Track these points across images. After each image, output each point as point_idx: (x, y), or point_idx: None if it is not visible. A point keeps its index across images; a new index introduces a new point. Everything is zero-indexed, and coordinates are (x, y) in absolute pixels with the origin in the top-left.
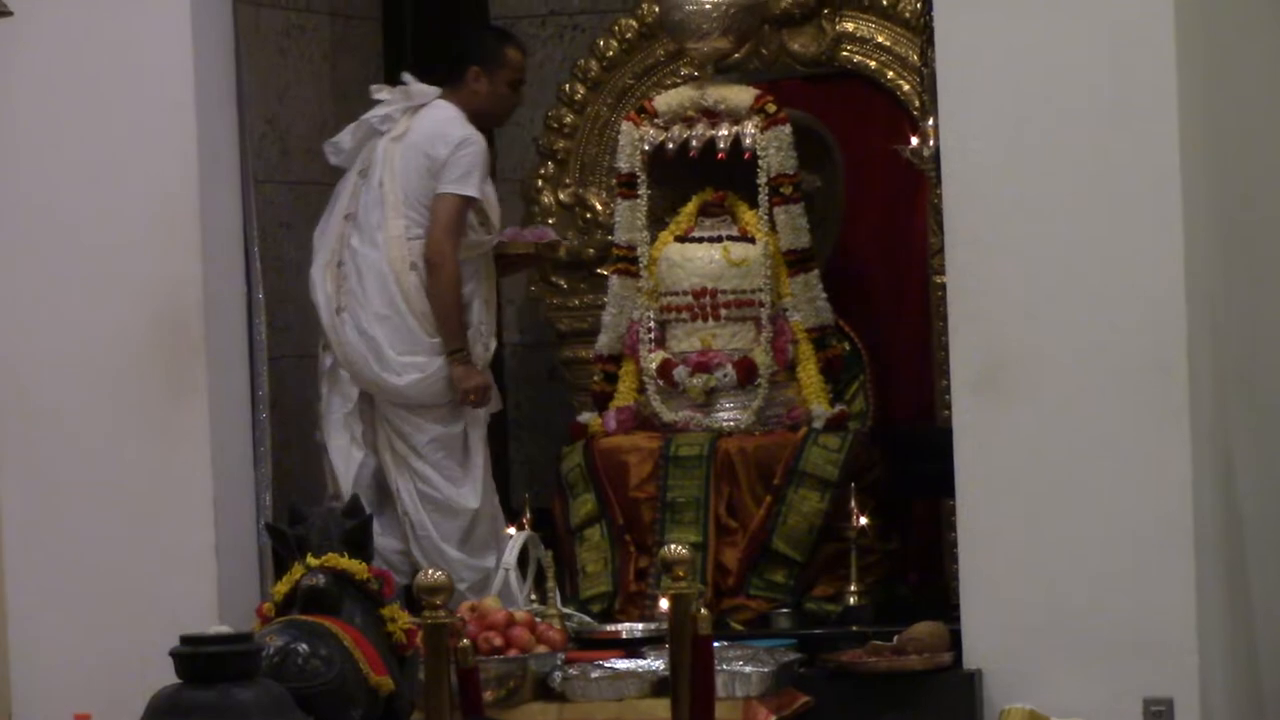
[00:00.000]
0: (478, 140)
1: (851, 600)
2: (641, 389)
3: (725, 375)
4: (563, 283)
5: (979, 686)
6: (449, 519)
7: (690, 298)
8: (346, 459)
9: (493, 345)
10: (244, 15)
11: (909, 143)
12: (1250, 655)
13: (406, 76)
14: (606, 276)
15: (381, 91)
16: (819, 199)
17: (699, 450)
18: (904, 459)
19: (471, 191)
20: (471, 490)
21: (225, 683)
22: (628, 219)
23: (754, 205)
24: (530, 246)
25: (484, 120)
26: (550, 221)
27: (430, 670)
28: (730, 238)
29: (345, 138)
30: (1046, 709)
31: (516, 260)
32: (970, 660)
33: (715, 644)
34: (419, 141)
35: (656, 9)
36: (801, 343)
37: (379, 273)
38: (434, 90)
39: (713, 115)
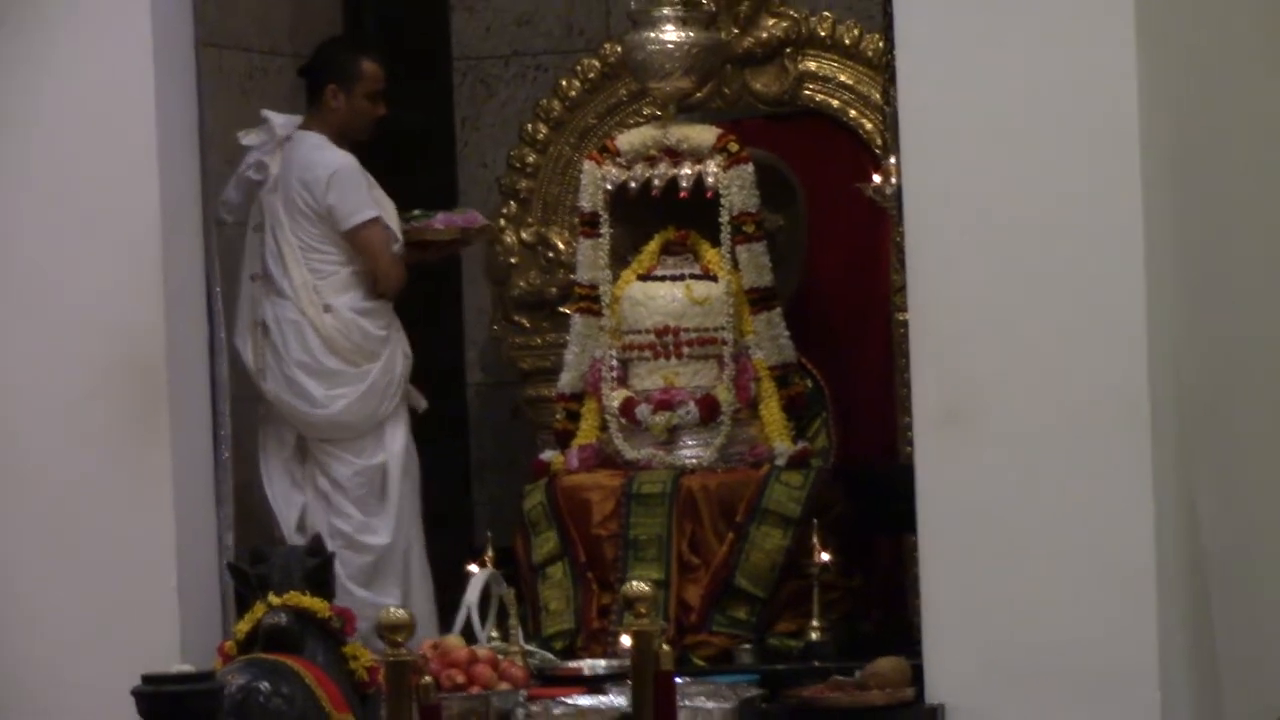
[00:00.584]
0: (344, 162)
1: (814, 636)
2: (604, 427)
3: (688, 413)
4: (525, 322)
5: None
6: (358, 555)
7: (653, 336)
8: (288, 503)
9: (409, 351)
10: (207, 58)
11: (871, 181)
12: (1213, 692)
13: (265, 112)
14: (569, 315)
15: (248, 135)
16: (781, 237)
17: (661, 488)
18: (866, 496)
19: (371, 213)
20: (385, 526)
21: None
22: (590, 258)
23: (716, 244)
24: (458, 231)
25: (350, 136)
26: (513, 261)
27: (393, 708)
28: (693, 276)
29: (232, 194)
30: None
31: (446, 245)
32: (932, 695)
33: (677, 680)
34: (293, 184)
35: (619, 49)
36: (764, 380)
37: (294, 324)
38: (294, 120)
39: (675, 154)
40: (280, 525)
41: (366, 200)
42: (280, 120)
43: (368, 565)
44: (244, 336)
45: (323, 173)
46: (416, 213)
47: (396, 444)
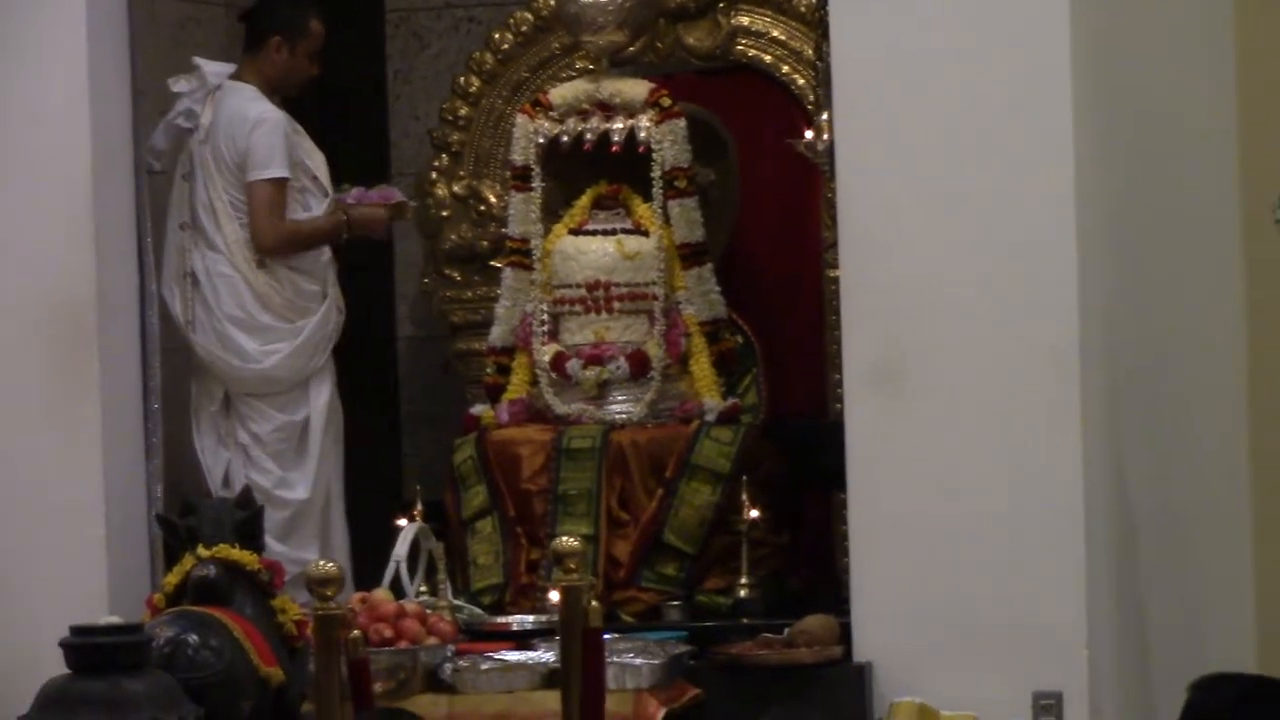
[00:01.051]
0: (271, 116)
1: (742, 593)
2: (534, 381)
3: (618, 368)
4: (456, 275)
5: (869, 679)
6: (274, 511)
7: (583, 290)
8: (215, 457)
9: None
10: (139, 6)
11: (803, 137)
12: (1140, 648)
13: (197, 60)
14: (500, 269)
15: (179, 82)
16: (713, 193)
17: (591, 443)
18: (796, 452)
19: (278, 172)
20: (303, 481)
21: (115, 673)
22: (522, 212)
23: (648, 199)
24: (378, 208)
25: (280, 90)
26: (445, 214)
27: (321, 661)
28: (624, 231)
29: (159, 139)
30: (936, 702)
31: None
32: (860, 653)
33: (606, 636)
34: (221, 137)
35: (552, 2)
36: (694, 336)
37: (226, 277)
38: (227, 68)
39: (607, 109)
40: (207, 479)
41: (280, 159)
42: (212, 68)
43: (285, 520)
44: (171, 287)
45: (251, 118)
46: (343, 186)
47: (321, 399)
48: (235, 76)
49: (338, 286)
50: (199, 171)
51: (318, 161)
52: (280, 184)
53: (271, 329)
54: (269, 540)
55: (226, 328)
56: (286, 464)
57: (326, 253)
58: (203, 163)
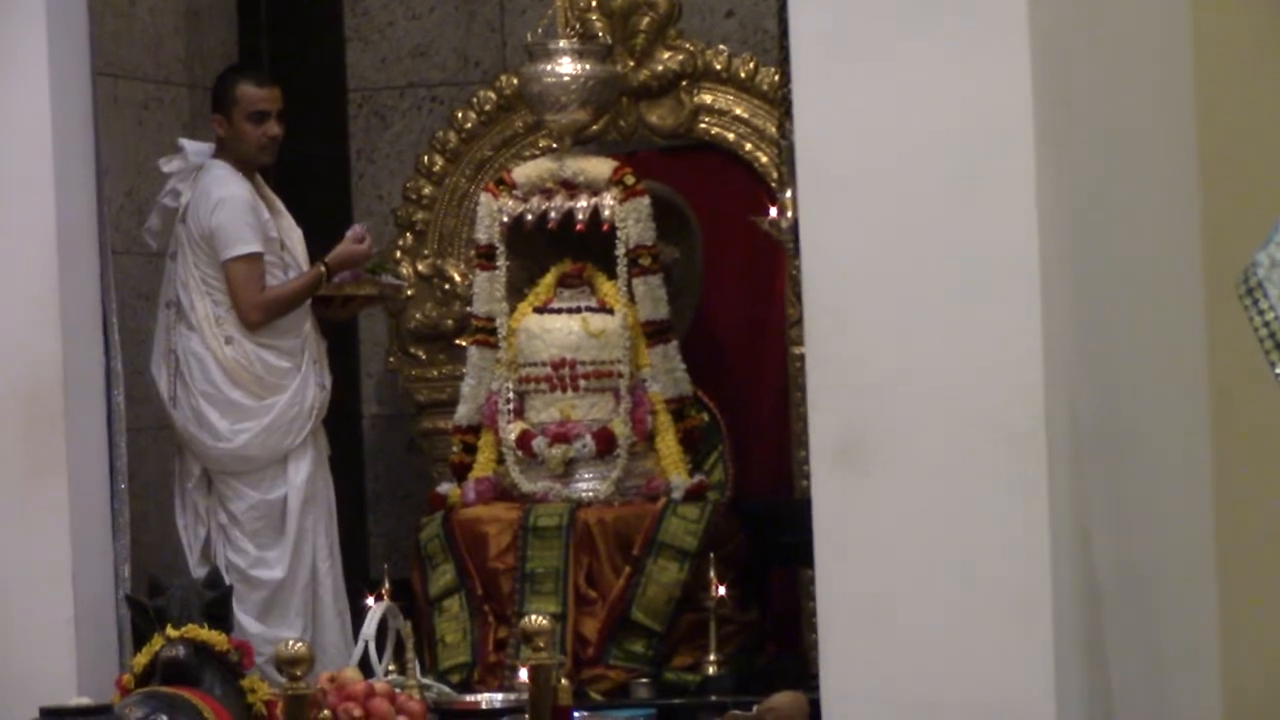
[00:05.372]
0: (231, 195)
1: (710, 670)
2: (500, 460)
3: (584, 446)
4: (421, 354)
5: None
6: (251, 590)
7: (549, 369)
8: (194, 535)
9: (327, 383)
10: (102, 87)
11: (767, 214)
12: (1108, 718)
13: (182, 140)
14: (465, 347)
15: (170, 163)
16: (677, 270)
17: (558, 521)
18: (762, 529)
19: (248, 248)
20: (280, 561)
21: None
22: (486, 290)
23: (613, 276)
24: (375, 287)
25: (249, 161)
26: (409, 294)
27: None
28: (589, 309)
29: (154, 220)
30: None
31: (360, 301)
32: None
33: (575, 714)
34: (191, 215)
35: (515, 81)
36: (660, 413)
37: (198, 355)
38: (207, 148)
39: (571, 187)
40: (188, 556)
41: (245, 236)
42: (193, 148)
43: (262, 600)
44: (159, 365)
45: (213, 200)
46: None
47: (299, 476)
48: (214, 157)
49: (321, 363)
50: (180, 250)
51: (295, 240)
52: (254, 259)
53: (241, 406)
54: (247, 620)
55: (201, 405)
56: (263, 543)
57: (306, 327)
58: (178, 240)
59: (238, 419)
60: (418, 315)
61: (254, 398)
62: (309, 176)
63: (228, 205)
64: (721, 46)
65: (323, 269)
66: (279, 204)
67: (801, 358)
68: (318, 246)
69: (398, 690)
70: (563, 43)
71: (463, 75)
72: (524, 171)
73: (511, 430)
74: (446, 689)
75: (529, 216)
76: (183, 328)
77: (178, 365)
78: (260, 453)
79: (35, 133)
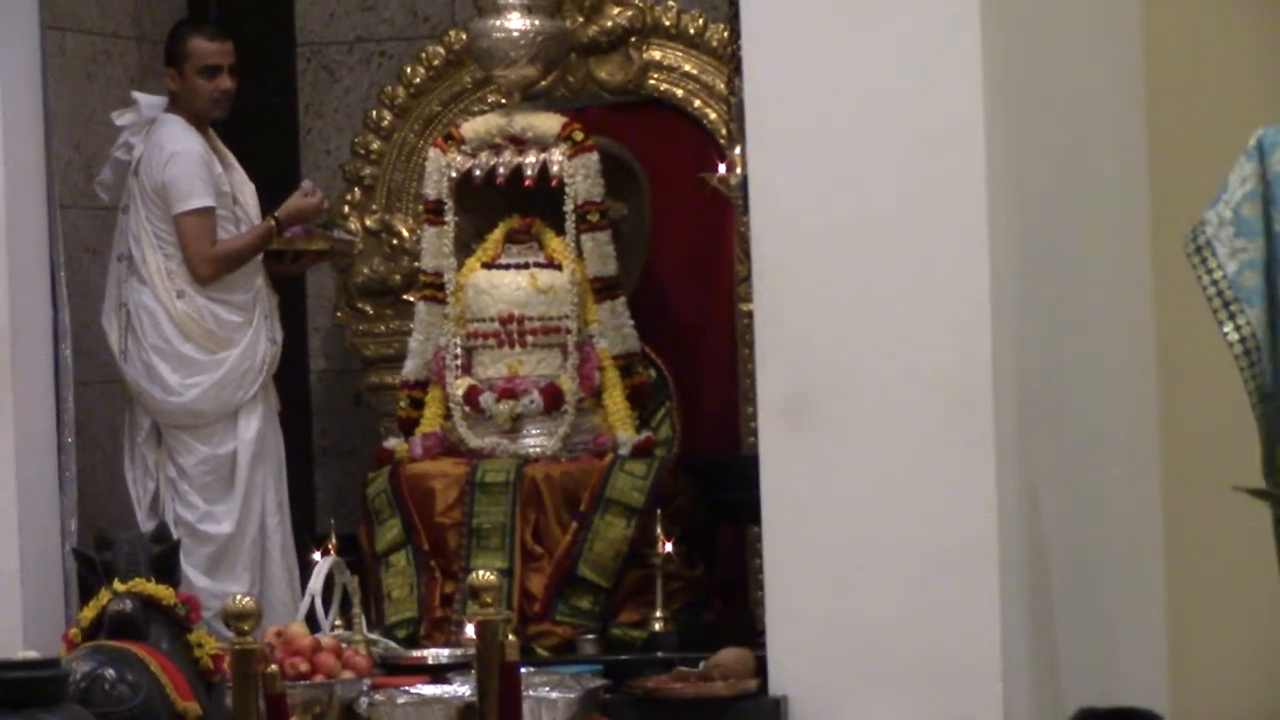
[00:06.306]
0: (183, 149)
1: (657, 626)
2: (448, 415)
3: (531, 402)
4: (369, 309)
5: (784, 713)
6: (199, 545)
7: (497, 324)
8: (143, 488)
9: (279, 338)
10: (51, 40)
11: (716, 171)
12: (1054, 681)
13: (135, 94)
14: (413, 303)
15: (122, 116)
16: (626, 226)
17: (505, 476)
18: (710, 486)
19: (200, 202)
20: (228, 516)
21: (32, 708)
22: (435, 246)
23: (561, 233)
24: (327, 242)
25: (202, 115)
26: (358, 249)
27: (238, 696)
28: (537, 265)
29: (107, 174)
30: None
31: (311, 256)
32: (776, 687)
33: (521, 670)
34: (143, 169)
35: (464, 36)
36: (608, 369)
37: (149, 309)
38: (160, 101)
39: (520, 142)
40: (136, 511)
41: (197, 190)
42: (147, 101)
43: (210, 554)
44: (110, 318)
45: (166, 153)
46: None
47: (249, 431)
48: (167, 111)
49: (272, 317)
50: (132, 203)
51: (247, 194)
52: (205, 213)
53: (192, 360)
54: (195, 574)
55: (152, 359)
56: (212, 498)
57: (258, 282)
58: (132, 193)
59: (189, 373)
60: (365, 270)
61: (205, 352)
62: (257, 131)
63: (180, 159)
64: (671, 2)
65: (274, 223)
66: (231, 158)
67: (750, 314)
68: (266, 201)
69: (344, 645)
70: None
71: (411, 30)
72: (473, 127)
73: (459, 386)
74: (393, 644)
75: (477, 172)
76: (134, 281)
77: (129, 319)
78: (211, 407)
79: None
